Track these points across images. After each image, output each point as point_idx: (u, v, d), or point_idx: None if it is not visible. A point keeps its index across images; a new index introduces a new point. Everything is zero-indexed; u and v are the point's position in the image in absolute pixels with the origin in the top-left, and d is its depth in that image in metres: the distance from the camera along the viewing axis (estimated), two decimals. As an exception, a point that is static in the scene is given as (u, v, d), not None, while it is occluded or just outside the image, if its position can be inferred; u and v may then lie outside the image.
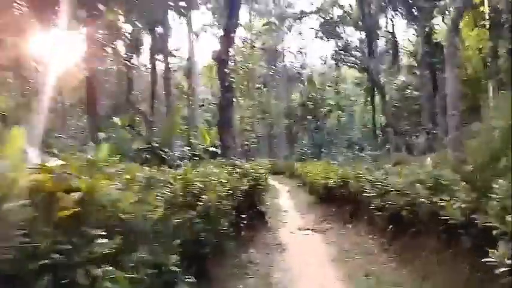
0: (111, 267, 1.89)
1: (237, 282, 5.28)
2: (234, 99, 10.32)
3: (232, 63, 22.81)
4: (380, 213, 6.66)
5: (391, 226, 6.76)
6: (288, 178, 27.39)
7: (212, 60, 13.30)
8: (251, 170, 8.36)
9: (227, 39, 10.36)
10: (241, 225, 7.23)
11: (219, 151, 10.69)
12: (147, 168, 4.52)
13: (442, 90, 15.52)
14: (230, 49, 9.94)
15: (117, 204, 2.26)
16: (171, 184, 3.76)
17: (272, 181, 27.49)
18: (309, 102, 38.63)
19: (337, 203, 11.71)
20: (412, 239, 5.92)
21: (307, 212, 13.58)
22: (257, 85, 34.01)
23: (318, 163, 19.00)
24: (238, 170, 7.43)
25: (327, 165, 16.00)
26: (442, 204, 4.16)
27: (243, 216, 7.20)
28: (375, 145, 20.07)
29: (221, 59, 10.29)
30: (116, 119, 16.27)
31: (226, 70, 9.86)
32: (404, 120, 18.83)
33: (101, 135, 13.15)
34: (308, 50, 43.10)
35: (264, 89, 36.08)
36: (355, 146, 25.41)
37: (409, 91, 20.13)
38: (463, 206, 3.56)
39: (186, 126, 16.45)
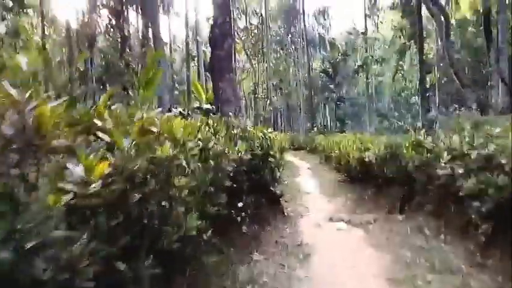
0: None
1: None
2: (233, 34, 7.47)
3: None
4: (475, 203, 3.95)
5: (490, 225, 4.06)
6: (309, 153, 24.78)
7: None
8: (259, 134, 5.73)
9: None
10: (241, 217, 4.68)
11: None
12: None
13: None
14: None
15: None
16: None
17: (291, 157, 25.07)
18: (331, 70, 35.25)
19: (376, 183, 9.03)
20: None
21: (335, 195, 10.97)
22: (273, 47, 30.69)
23: (346, 135, 16.17)
24: (234, 131, 4.81)
25: (358, 136, 13.19)
26: None
27: (243, 204, 4.64)
28: (419, 111, 16.89)
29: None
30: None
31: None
32: (471, 70, 15.45)
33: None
34: (332, 11, 39.10)
35: (282, 53, 32.79)
36: (388, 117, 22.32)
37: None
38: None
39: (184, 87, 13.71)
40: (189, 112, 6.48)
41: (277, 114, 42.26)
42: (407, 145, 6.05)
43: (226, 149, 3.58)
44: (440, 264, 4.31)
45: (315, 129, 29.16)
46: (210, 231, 3.18)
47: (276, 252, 4.98)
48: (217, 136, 3.74)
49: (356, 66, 23.39)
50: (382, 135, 13.75)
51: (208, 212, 3.34)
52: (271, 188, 7.18)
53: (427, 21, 19.30)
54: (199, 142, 3.14)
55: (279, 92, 37.60)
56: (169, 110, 5.72)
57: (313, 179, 15.36)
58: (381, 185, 8.60)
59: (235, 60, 7.41)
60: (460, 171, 4.20)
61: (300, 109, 35.25)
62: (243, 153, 4.04)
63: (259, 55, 27.19)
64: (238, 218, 4.38)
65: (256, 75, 26.02)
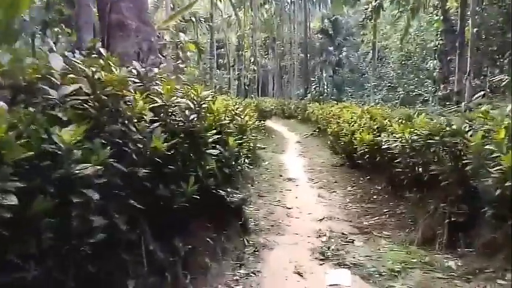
0: None
1: None
2: None
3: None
4: None
5: None
6: (301, 123, 21.65)
7: None
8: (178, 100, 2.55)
9: None
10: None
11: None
12: None
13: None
14: None
15: None
16: None
17: (280, 127, 21.98)
18: (331, 29, 31.32)
19: (393, 177, 6.01)
20: None
21: (329, 186, 7.99)
22: None
23: (346, 105, 13.02)
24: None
25: (366, 108, 10.04)
26: None
27: None
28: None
29: None
30: None
31: None
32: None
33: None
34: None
35: (275, 5, 28.40)
36: (398, 85, 18.93)
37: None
38: None
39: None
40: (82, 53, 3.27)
41: (268, 77, 38.45)
42: (480, 136, 2.93)
43: None
44: None
45: (309, 95, 25.81)
46: None
47: None
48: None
49: (368, 12, 19.38)
50: (396, 107, 10.67)
51: None
52: (227, 199, 4.12)
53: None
54: None
55: (271, 53, 33.58)
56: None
57: (301, 157, 12.35)
58: (403, 184, 5.57)
59: None
60: None
61: (294, 73, 31.61)
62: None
63: (246, 3, 23.10)
64: None
65: (241, 27, 22.06)
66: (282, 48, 32.17)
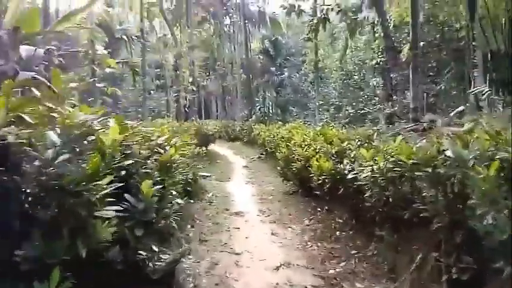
0: None
1: None
2: None
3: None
4: None
5: None
6: (247, 146, 20.72)
7: None
8: None
9: None
10: None
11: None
12: None
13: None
14: None
15: None
16: None
17: (225, 150, 20.81)
18: (272, 49, 31.31)
19: (355, 207, 5.11)
20: None
21: (284, 221, 6.91)
22: (202, 14, 25.34)
23: (295, 125, 12.30)
24: None
25: (317, 129, 9.28)
26: None
27: None
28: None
29: None
30: None
31: None
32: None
33: None
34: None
35: (214, 25, 27.61)
36: (340, 106, 18.82)
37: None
38: None
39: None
40: None
41: (211, 99, 37.37)
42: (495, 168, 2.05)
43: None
44: None
45: (254, 116, 25.08)
46: None
47: None
48: None
49: (309, 30, 19.11)
50: (346, 127, 10.10)
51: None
52: (149, 264, 2.89)
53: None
54: None
55: (212, 73, 32.64)
56: None
57: (249, 185, 11.24)
58: (373, 220, 4.65)
59: None
60: None
61: (237, 94, 30.89)
62: None
63: (182, 21, 21.92)
64: None
65: (178, 46, 20.87)
66: (224, 69, 31.42)
